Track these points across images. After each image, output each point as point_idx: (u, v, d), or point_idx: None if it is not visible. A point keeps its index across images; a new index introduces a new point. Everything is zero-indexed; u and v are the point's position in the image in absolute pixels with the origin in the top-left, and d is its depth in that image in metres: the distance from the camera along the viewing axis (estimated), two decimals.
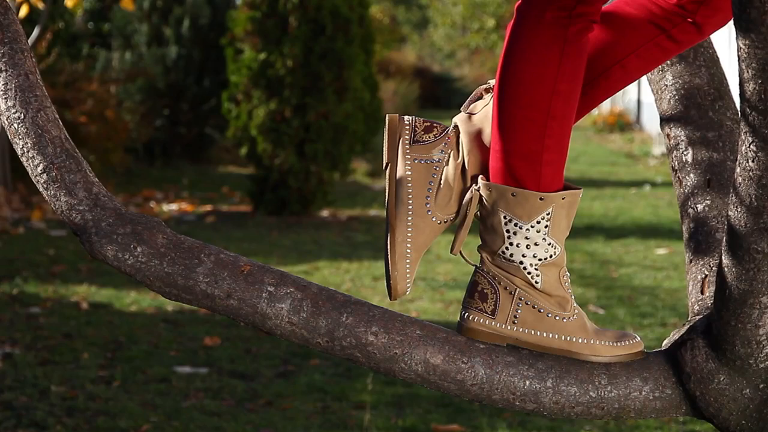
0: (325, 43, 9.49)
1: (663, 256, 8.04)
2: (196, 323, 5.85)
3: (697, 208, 1.99)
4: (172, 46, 13.07)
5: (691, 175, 2.02)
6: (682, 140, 2.05)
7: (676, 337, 1.81)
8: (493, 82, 1.88)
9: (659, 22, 1.86)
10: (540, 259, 1.81)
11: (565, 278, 1.83)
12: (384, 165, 1.87)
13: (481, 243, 1.85)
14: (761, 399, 1.71)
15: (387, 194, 1.86)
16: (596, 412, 1.77)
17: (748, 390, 1.71)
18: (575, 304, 1.84)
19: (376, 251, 8.09)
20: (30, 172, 1.81)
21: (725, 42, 10.40)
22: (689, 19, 1.86)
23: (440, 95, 26.72)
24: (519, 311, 1.81)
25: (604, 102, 1.96)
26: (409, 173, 1.85)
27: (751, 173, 1.58)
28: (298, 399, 4.66)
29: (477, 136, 1.86)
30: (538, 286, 1.81)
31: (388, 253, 1.84)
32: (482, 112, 1.87)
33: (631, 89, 20.29)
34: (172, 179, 12.04)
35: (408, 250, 1.84)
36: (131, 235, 1.77)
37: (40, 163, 1.78)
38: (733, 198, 1.62)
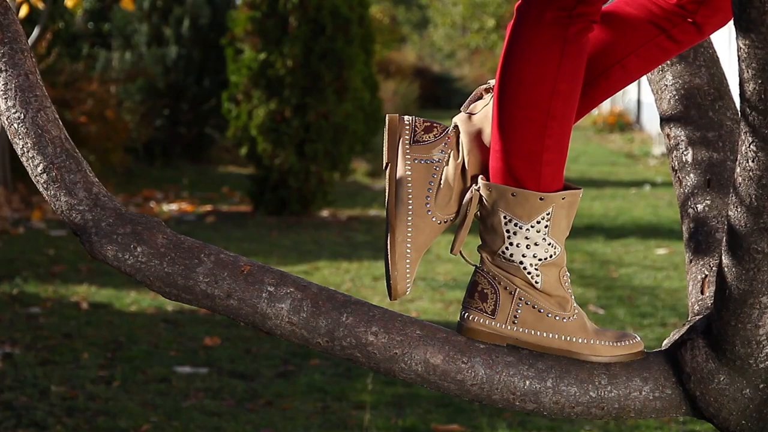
0: (325, 43, 9.49)
1: (663, 256, 8.04)
2: (196, 323, 5.85)
3: (697, 208, 1.99)
4: (172, 46, 13.07)
5: (691, 175, 2.02)
6: (682, 140, 2.05)
7: (676, 337, 1.81)
8: (493, 82, 1.88)
9: (659, 22, 1.86)
10: (540, 259, 1.81)
11: (565, 278, 1.83)
12: (384, 165, 1.87)
13: (481, 243, 1.85)
14: (761, 399, 1.71)
15: (387, 194, 1.86)
16: (596, 412, 1.77)
17: (748, 390, 1.71)
18: (575, 304, 1.84)
19: (376, 251, 8.09)
20: (30, 172, 1.81)
21: (725, 42, 10.40)
22: (689, 19, 1.86)
23: (440, 95, 26.72)
24: (519, 311, 1.81)
25: (604, 102, 1.96)
26: (409, 173, 1.85)
27: (751, 173, 1.58)
28: (298, 399, 4.66)
29: (477, 136, 1.86)
30: (538, 286, 1.81)
31: (388, 253, 1.84)
32: (482, 112, 1.87)
33: (631, 89, 20.29)
34: (172, 179, 12.04)
35: (408, 250, 1.84)
36: (131, 235, 1.77)
37: (40, 163, 1.78)
38: (733, 198, 1.62)
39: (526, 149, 1.77)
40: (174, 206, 10.16)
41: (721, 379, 1.72)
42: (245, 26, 9.64)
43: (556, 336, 1.80)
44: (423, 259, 6.95)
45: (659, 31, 1.86)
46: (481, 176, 1.83)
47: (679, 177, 2.04)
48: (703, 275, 1.93)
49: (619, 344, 1.80)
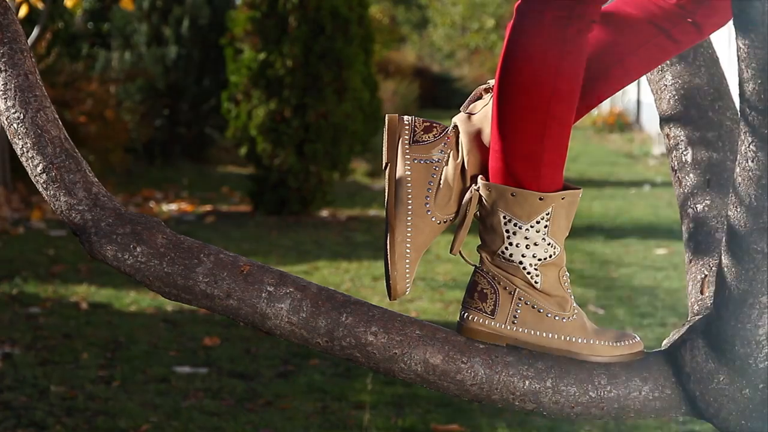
0: (325, 43, 9.49)
1: (663, 256, 8.04)
2: (195, 323, 5.85)
3: (696, 208, 1.99)
4: (172, 46, 13.07)
5: (691, 175, 2.02)
6: (682, 140, 2.05)
7: (676, 337, 1.81)
8: (492, 82, 1.88)
9: (659, 22, 1.86)
10: (539, 259, 1.81)
11: (564, 278, 1.83)
12: (383, 165, 1.87)
13: (480, 243, 1.85)
14: (761, 399, 1.71)
15: (386, 194, 1.86)
16: (596, 412, 1.77)
17: (747, 390, 1.71)
18: (575, 304, 1.84)
19: (375, 251, 8.09)
20: (30, 172, 1.81)
21: (725, 42, 10.40)
22: (689, 19, 1.85)
23: (440, 95, 26.69)
24: (518, 311, 1.81)
25: (604, 102, 1.96)
26: (409, 173, 1.85)
27: (750, 173, 1.58)
28: (298, 399, 4.66)
29: (476, 136, 1.86)
30: (538, 286, 1.81)
31: (388, 253, 1.84)
32: (482, 112, 1.87)
33: (631, 89, 20.28)
34: (171, 179, 12.04)
35: (407, 250, 1.84)
36: (131, 235, 1.77)
37: (40, 163, 1.79)
38: (733, 198, 1.62)
39: (526, 149, 1.77)
40: (174, 206, 10.16)
41: (721, 379, 1.72)
42: (245, 26, 9.64)
43: (556, 336, 1.80)
44: (423, 259, 6.95)
45: (659, 31, 1.86)
46: (480, 176, 1.83)
47: (678, 177, 2.04)
48: (703, 275, 1.93)
49: (618, 344, 1.80)
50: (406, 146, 1.87)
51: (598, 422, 4.44)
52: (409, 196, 1.85)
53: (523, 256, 1.80)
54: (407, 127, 1.87)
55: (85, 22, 13.97)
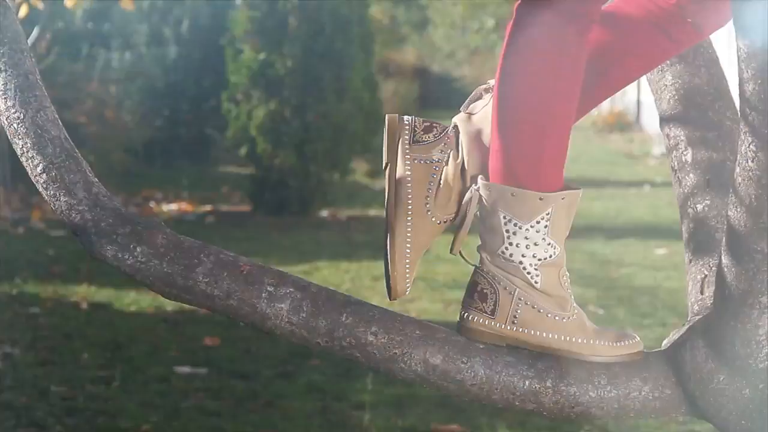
0: (325, 43, 9.48)
1: (663, 256, 8.04)
2: (196, 323, 5.85)
3: (696, 208, 1.99)
4: (172, 46, 13.07)
5: (691, 175, 2.02)
6: (682, 140, 2.05)
7: (676, 337, 1.81)
8: (492, 82, 1.88)
9: (659, 22, 1.86)
10: (540, 259, 1.81)
11: (564, 278, 1.83)
12: (383, 165, 1.88)
13: (480, 243, 1.85)
14: (761, 399, 1.71)
15: (386, 194, 1.86)
16: (596, 412, 1.77)
17: (747, 390, 1.71)
18: (575, 304, 1.84)
19: (375, 251, 8.08)
20: (30, 172, 1.81)
21: (725, 42, 10.39)
22: (689, 19, 1.85)
23: (440, 95, 26.68)
24: (519, 311, 1.81)
25: (604, 102, 1.96)
26: (409, 173, 1.85)
27: (750, 173, 1.58)
28: (298, 399, 4.66)
29: (477, 136, 1.86)
30: (538, 286, 1.81)
31: (388, 253, 1.84)
32: (482, 113, 1.87)
33: (631, 89, 20.27)
34: (172, 179, 12.04)
35: (407, 250, 1.84)
36: (131, 235, 1.77)
37: (40, 163, 1.79)
38: (733, 198, 1.62)
39: (526, 149, 1.77)
40: (174, 206, 10.16)
41: (721, 379, 1.72)
42: (245, 26, 9.63)
43: (556, 336, 1.80)
44: (423, 259, 6.92)
45: (658, 31, 1.86)
46: (480, 176, 1.83)
47: (678, 177, 2.04)
48: (703, 275, 1.93)
49: (618, 344, 1.80)
50: (406, 146, 1.87)
51: (598, 422, 4.44)
52: (409, 196, 1.85)
53: (523, 256, 1.80)
54: (407, 127, 1.87)
55: (85, 23, 13.97)
